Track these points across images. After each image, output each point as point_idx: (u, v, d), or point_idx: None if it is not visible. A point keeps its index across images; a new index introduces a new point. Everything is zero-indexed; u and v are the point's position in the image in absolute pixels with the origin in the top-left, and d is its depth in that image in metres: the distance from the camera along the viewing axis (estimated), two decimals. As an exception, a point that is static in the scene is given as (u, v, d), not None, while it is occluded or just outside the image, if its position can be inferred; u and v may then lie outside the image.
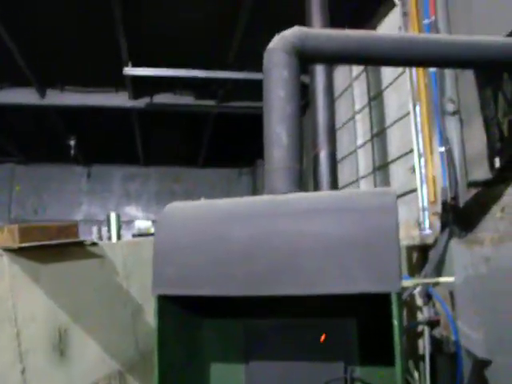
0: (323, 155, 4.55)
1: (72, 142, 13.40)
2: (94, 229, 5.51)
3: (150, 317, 4.46)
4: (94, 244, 3.55)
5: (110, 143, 14.12)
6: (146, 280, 4.28)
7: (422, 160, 5.65)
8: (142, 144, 14.14)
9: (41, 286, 2.98)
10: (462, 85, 4.95)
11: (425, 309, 4.92)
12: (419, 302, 5.10)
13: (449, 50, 3.42)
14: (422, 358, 4.93)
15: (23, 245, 2.67)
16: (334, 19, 5.19)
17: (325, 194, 3.16)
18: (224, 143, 14.16)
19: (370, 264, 2.28)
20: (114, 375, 3.75)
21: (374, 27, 7.03)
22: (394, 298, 2.22)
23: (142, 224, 7.01)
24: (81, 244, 3.32)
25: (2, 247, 2.78)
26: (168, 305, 2.67)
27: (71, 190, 17.04)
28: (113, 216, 6.54)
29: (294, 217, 2.50)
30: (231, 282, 2.44)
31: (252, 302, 2.82)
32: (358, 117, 7.91)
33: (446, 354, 4.70)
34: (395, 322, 2.24)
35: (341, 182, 8.03)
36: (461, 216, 4.77)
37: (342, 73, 8.45)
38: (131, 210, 17.07)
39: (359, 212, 2.43)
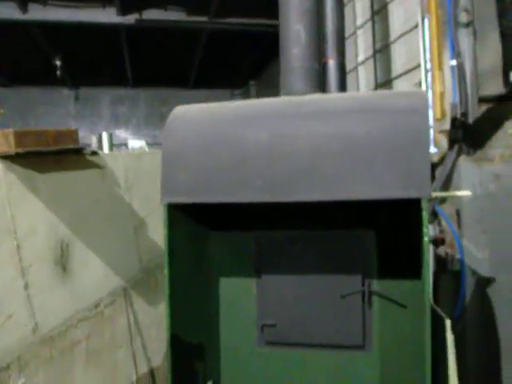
0: (332, 65, 4.30)
1: (58, 62, 12.85)
2: (94, 138, 5.20)
3: (153, 232, 4.34)
4: (94, 153, 3.31)
5: (97, 63, 13.63)
6: (148, 193, 4.13)
7: (429, 75, 5.42)
8: (130, 64, 13.65)
9: (39, 197, 2.79)
10: (479, -8, 4.66)
11: (430, 227, 4.83)
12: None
13: None
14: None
15: (19, 150, 2.44)
16: None
17: (348, 94, 2.94)
18: (216, 63, 13.69)
19: (398, 168, 2.11)
20: (119, 292, 3.63)
21: None
22: (424, 205, 2.08)
23: (136, 143, 6.76)
24: (80, 152, 3.09)
25: (-4, 154, 2.56)
26: (177, 214, 2.50)
27: (59, 113, 16.59)
28: (105, 136, 6.29)
29: (315, 118, 2.28)
30: (247, 188, 2.26)
31: (264, 212, 2.68)
32: (359, 32, 7.56)
33: (450, 272, 4.67)
34: (425, 230, 2.11)
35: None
36: (470, 133, 4.63)
37: (342, -15, 8.00)
38: (121, 134, 16.76)
39: (387, 113, 2.23)
